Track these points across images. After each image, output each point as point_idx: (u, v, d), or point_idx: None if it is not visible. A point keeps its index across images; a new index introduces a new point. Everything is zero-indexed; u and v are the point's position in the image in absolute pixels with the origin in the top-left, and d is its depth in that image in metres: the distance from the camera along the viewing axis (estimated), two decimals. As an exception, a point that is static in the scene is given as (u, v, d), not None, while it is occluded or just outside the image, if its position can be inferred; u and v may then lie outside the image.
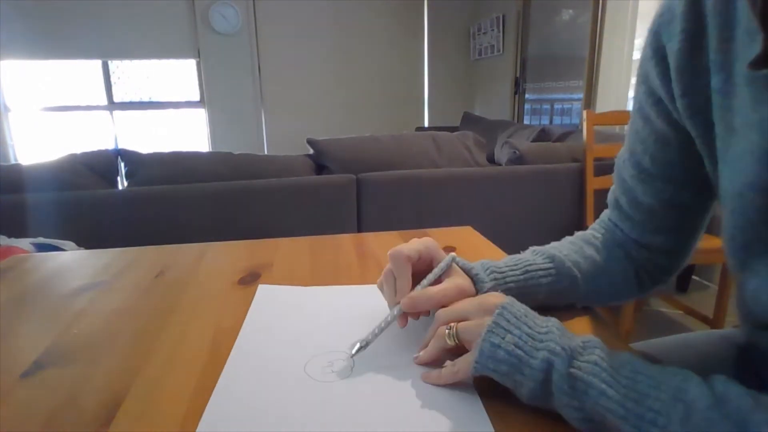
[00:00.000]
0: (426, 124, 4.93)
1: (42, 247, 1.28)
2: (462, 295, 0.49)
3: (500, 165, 2.05)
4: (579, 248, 0.59)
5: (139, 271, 0.75)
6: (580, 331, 0.54)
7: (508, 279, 0.53)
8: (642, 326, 1.97)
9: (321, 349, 0.51)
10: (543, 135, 2.80)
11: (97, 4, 4.00)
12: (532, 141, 2.73)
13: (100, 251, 0.87)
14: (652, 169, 0.54)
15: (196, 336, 0.54)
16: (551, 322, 0.41)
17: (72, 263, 0.82)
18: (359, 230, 1.78)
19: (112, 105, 4.35)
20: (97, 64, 4.22)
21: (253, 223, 1.72)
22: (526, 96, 3.99)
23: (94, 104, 4.32)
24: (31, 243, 1.28)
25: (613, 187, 0.61)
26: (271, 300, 0.63)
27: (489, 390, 0.43)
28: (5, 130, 4.08)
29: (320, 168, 1.87)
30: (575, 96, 3.32)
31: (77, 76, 4.25)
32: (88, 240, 1.36)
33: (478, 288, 0.51)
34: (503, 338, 0.39)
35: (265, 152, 4.51)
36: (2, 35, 3.86)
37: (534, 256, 0.57)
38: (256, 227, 1.72)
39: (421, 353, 0.46)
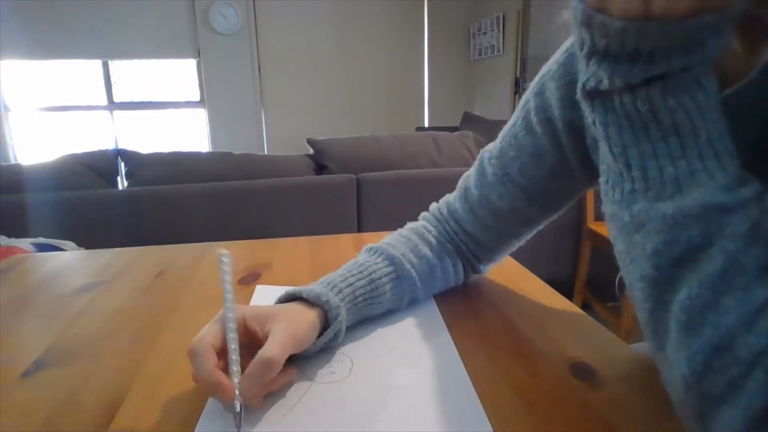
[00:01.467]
0: (426, 124, 4.93)
1: (42, 247, 1.28)
2: (294, 334, 0.43)
3: (500, 165, 2.05)
4: (414, 246, 0.59)
5: (139, 271, 0.75)
6: (579, 331, 0.54)
7: (357, 292, 0.52)
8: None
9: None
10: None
11: (97, 4, 3.99)
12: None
13: (100, 251, 0.87)
14: (517, 178, 0.54)
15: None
16: None
17: (72, 263, 0.82)
18: (359, 230, 1.78)
19: (112, 105, 4.35)
20: (97, 64, 4.22)
21: (253, 223, 1.72)
22: (526, 96, 3.99)
23: (94, 104, 4.32)
24: (31, 243, 1.28)
25: (470, 175, 0.60)
26: (268, 301, 0.63)
27: (488, 389, 0.43)
28: (5, 130, 4.08)
29: (320, 168, 1.87)
30: (575, 96, 3.31)
31: (77, 76, 4.25)
32: (88, 240, 1.36)
33: (331, 317, 0.48)
34: None
35: (265, 152, 4.51)
36: (2, 35, 3.86)
37: (373, 257, 0.57)
38: (256, 227, 1.72)
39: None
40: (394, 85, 4.83)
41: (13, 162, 3.98)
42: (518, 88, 4.02)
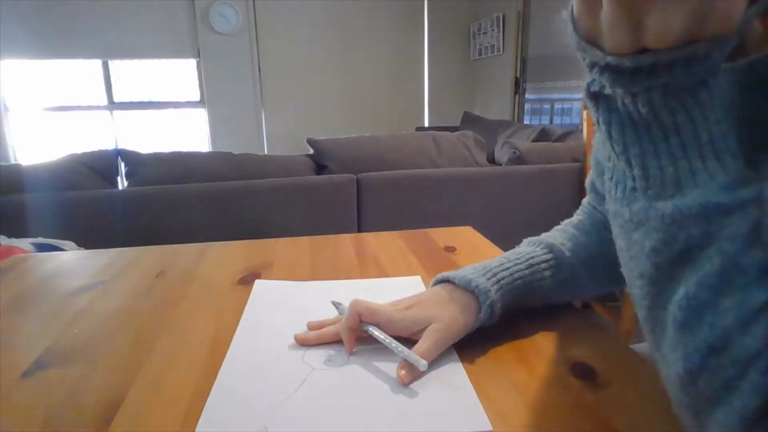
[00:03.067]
0: (426, 124, 4.93)
1: (42, 247, 1.28)
2: (445, 344, 0.48)
3: (500, 165, 2.05)
4: (572, 235, 0.59)
5: (139, 271, 0.75)
6: (579, 331, 0.54)
7: (515, 275, 0.52)
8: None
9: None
10: (543, 135, 2.79)
11: (97, 4, 3.99)
12: (533, 141, 2.73)
13: (100, 251, 0.87)
14: None
15: (196, 336, 0.54)
16: None
17: (72, 263, 0.82)
18: (359, 230, 1.78)
19: (112, 105, 4.35)
20: (97, 64, 4.22)
21: (253, 223, 1.72)
22: (526, 96, 3.99)
23: (94, 104, 4.32)
24: (31, 243, 1.28)
25: (590, 173, 0.61)
26: (268, 294, 0.64)
27: (489, 389, 0.43)
28: (5, 130, 4.08)
29: (320, 168, 1.87)
30: (575, 96, 3.32)
31: (77, 76, 4.25)
32: (88, 240, 1.36)
33: (481, 300, 0.49)
34: None
35: (265, 152, 4.51)
36: (2, 35, 3.86)
37: (533, 247, 0.57)
38: (256, 227, 1.72)
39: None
40: (394, 85, 4.83)
41: (13, 162, 3.98)
42: (518, 88, 4.02)
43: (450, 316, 0.49)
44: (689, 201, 0.30)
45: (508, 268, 0.53)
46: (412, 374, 0.44)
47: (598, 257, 0.57)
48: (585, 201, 0.65)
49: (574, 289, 0.57)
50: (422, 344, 0.46)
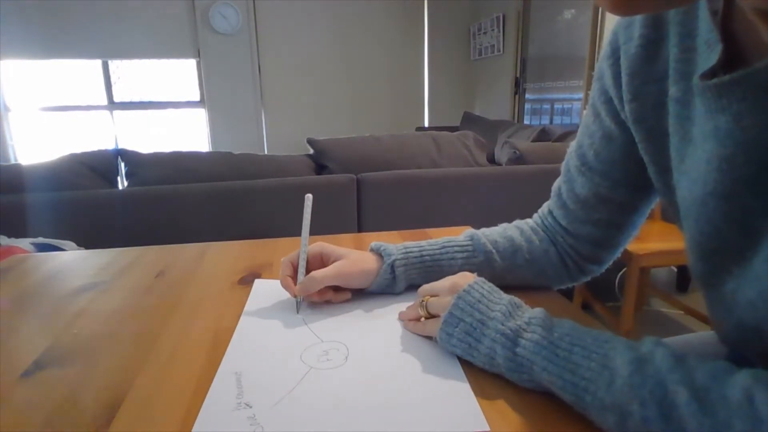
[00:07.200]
0: (426, 124, 4.93)
1: (42, 247, 1.28)
2: (341, 271, 0.58)
3: (500, 165, 2.05)
4: (502, 230, 0.65)
5: (139, 271, 0.75)
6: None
7: (424, 252, 0.61)
8: (642, 326, 1.97)
9: (316, 339, 0.52)
10: (543, 135, 2.80)
11: (97, 4, 3.99)
12: (532, 141, 2.73)
13: (100, 251, 0.87)
14: (594, 164, 0.56)
15: (196, 336, 0.54)
16: (502, 303, 0.46)
17: (72, 263, 0.82)
18: (359, 230, 1.78)
19: (112, 105, 4.35)
20: (97, 64, 4.22)
21: (253, 223, 1.72)
22: (526, 96, 3.99)
23: (94, 104, 4.32)
24: (31, 243, 1.28)
25: (558, 178, 0.64)
26: (267, 294, 0.64)
27: (488, 388, 0.43)
28: (5, 130, 4.08)
29: (320, 168, 1.87)
30: (575, 96, 3.32)
31: (77, 76, 4.25)
32: (88, 240, 1.36)
33: (384, 259, 0.60)
34: (456, 327, 0.46)
35: (265, 152, 4.51)
36: (2, 35, 3.86)
37: (460, 236, 0.64)
38: (256, 227, 1.72)
39: (403, 311, 0.56)
40: (394, 86, 4.83)
41: (13, 162, 3.98)
42: (518, 87, 4.02)
43: (356, 258, 0.60)
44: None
45: (420, 246, 0.62)
46: (301, 289, 0.57)
47: (519, 251, 0.62)
48: (544, 206, 0.68)
49: (489, 271, 0.61)
50: (322, 269, 0.58)
